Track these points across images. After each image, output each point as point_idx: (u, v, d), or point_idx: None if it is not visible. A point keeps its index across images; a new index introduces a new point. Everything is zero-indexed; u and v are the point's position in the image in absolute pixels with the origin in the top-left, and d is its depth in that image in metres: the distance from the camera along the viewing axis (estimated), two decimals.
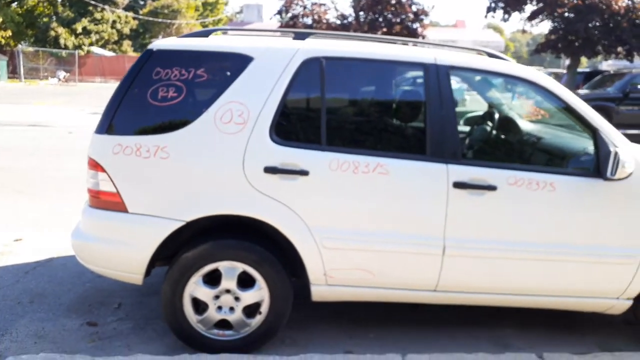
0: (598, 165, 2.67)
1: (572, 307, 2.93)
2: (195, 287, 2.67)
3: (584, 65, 36.27)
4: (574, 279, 2.79)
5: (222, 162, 2.57)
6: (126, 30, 41.36)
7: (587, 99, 12.77)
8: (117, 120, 2.61)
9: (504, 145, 3.40)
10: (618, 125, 13.48)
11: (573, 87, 17.18)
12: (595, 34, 18.65)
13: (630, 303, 2.88)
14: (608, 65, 27.35)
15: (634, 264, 2.76)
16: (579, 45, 19.32)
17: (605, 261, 2.76)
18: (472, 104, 3.82)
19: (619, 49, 19.36)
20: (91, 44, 38.13)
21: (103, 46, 40.11)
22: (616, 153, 2.55)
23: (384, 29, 19.08)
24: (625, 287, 2.81)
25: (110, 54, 39.63)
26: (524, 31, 22.65)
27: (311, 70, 2.67)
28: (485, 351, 2.81)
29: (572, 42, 19.47)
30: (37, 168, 7.06)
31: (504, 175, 2.65)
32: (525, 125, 3.49)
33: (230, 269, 2.66)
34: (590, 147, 2.77)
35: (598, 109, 11.79)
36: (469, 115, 4.06)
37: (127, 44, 42.88)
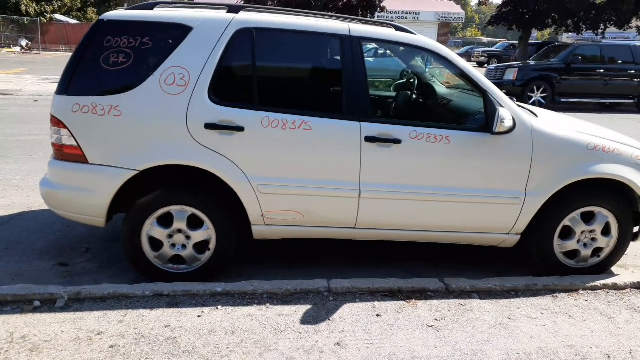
0: (487, 122, 3.21)
1: (471, 242, 3.52)
2: (151, 228, 3.15)
3: (547, 38, 37.19)
4: (470, 217, 3.35)
5: (168, 118, 3.02)
6: None
7: (533, 69, 13.49)
8: (74, 82, 3.01)
9: (413, 106, 3.95)
10: (560, 95, 14.24)
11: (525, 57, 17.90)
12: (544, 7, 19.34)
13: (518, 237, 3.48)
14: (567, 37, 28.25)
15: (519, 204, 3.34)
16: (529, 17, 20.04)
17: (496, 202, 3.33)
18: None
19: (569, 21, 20.13)
20: (54, 11, 36.97)
21: (67, 13, 38.95)
22: (498, 111, 3.09)
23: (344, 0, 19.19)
24: (513, 224, 3.41)
25: (75, 21, 38.56)
26: (480, 3, 23.27)
27: (244, 39, 3.11)
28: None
29: (523, 15, 20.18)
30: (5, 134, 7.31)
31: (407, 130, 3.18)
32: (439, 90, 4.02)
33: (180, 212, 3.14)
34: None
35: (542, 79, 12.45)
36: (398, 82, 4.58)
37: (91, 11, 41.73)
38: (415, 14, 34.14)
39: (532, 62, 14.37)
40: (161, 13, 3.19)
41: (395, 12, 33.06)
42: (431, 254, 3.91)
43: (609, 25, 20.34)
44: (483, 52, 32.97)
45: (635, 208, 3.51)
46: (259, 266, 3.61)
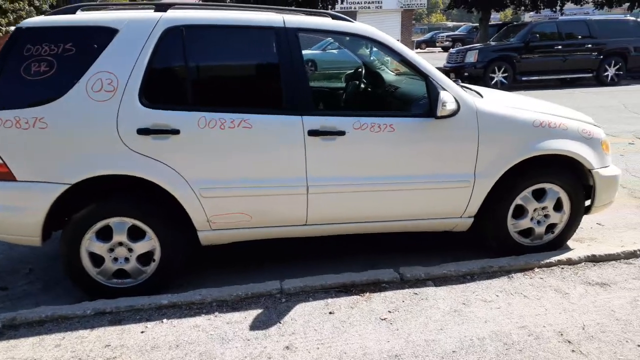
0: (430, 106, 3.14)
1: (424, 228, 3.46)
2: (90, 243, 3.00)
3: (510, 18, 37.66)
4: (421, 204, 3.30)
5: (98, 127, 2.86)
6: (46, 7, 39.05)
7: (493, 50, 13.57)
8: None
9: (358, 97, 3.87)
10: (521, 73, 14.35)
11: (486, 39, 18.03)
12: None
13: (471, 220, 3.44)
14: (530, 17, 28.55)
15: (469, 187, 3.29)
16: None
17: (446, 187, 3.28)
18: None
19: (526, 0, 20.32)
20: (9, 24, 35.85)
21: None
22: (439, 94, 3.03)
23: None
24: (465, 207, 3.36)
25: None
26: None
27: (173, 38, 2.97)
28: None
29: None
30: None
31: (350, 121, 3.09)
32: (387, 77, 3.94)
33: (119, 223, 3.00)
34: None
35: (502, 59, 12.51)
36: (348, 72, 4.50)
37: None
38: (378, 2, 34.09)
39: (492, 43, 14.47)
40: (84, 17, 3.03)
41: (358, 2, 33.02)
42: (389, 244, 3.84)
43: (565, 2, 20.59)
44: (447, 36, 33.18)
45: (586, 181, 3.50)
46: (211, 273, 3.49)
